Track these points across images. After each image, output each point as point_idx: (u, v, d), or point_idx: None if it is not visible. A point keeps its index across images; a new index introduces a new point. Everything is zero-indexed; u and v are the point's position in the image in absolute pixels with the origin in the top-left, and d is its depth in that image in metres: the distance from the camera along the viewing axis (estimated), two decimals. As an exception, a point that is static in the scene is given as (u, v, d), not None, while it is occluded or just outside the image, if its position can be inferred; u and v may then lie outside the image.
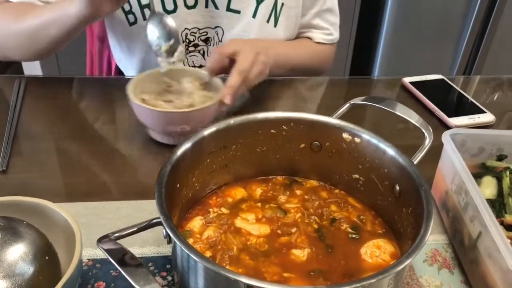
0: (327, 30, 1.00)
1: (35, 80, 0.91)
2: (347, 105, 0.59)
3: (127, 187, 0.66)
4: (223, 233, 0.52)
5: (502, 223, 0.55)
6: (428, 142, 0.52)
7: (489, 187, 0.60)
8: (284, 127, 0.56)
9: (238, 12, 0.91)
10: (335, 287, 0.42)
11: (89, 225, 0.58)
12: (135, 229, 0.42)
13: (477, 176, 0.63)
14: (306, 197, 0.58)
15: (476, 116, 0.84)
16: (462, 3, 1.96)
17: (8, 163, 0.69)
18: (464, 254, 0.56)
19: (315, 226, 0.54)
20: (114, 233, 0.40)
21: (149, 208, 0.60)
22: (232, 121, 0.54)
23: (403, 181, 0.50)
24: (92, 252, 0.56)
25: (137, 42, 0.93)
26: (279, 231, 0.53)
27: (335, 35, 1.02)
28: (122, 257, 0.38)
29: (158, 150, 0.72)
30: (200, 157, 0.53)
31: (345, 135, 0.55)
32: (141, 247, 0.57)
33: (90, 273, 0.54)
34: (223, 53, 0.76)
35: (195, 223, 0.53)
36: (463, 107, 0.87)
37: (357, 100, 0.59)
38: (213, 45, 0.95)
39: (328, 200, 0.57)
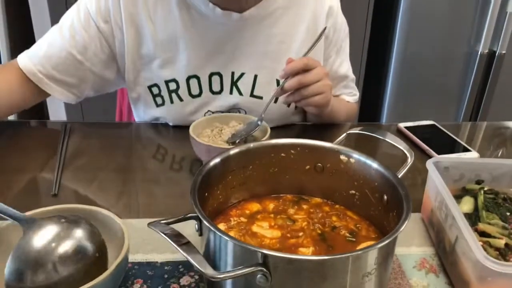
0: (351, 92, 1.16)
1: (77, 124, 1.06)
2: (345, 134, 0.71)
3: (166, 207, 0.78)
4: (242, 236, 0.63)
5: (476, 231, 0.65)
6: (409, 161, 0.64)
7: (466, 204, 0.70)
8: (292, 151, 0.68)
9: (260, 97, 1.01)
10: (336, 255, 0.50)
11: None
12: (175, 219, 0.53)
13: (458, 197, 0.73)
14: (311, 210, 0.69)
15: (462, 154, 0.95)
16: (461, 61, 2.10)
17: (59, 188, 0.82)
18: (446, 258, 0.66)
19: (319, 231, 0.64)
20: (160, 220, 0.52)
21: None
22: (252, 145, 0.67)
23: (389, 191, 0.61)
24: (132, 257, 0.66)
25: (163, 119, 1.05)
26: (288, 235, 0.64)
27: (357, 94, 1.18)
28: (176, 237, 0.49)
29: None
30: (224, 174, 0.65)
31: (342, 157, 0.67)
32: (172, 253, 0.67)
33: (129, 273, 0.65)
34: (307, 63, 0.87)
35: (220, 227, 0.64)
36: (451, 147, 0.99)
37: (354, 130, 0.72)
38: None
39: (330, 212, 0.68)
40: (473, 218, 0.67)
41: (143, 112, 1.06)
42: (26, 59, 0.95)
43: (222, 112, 1.02)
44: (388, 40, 2.11)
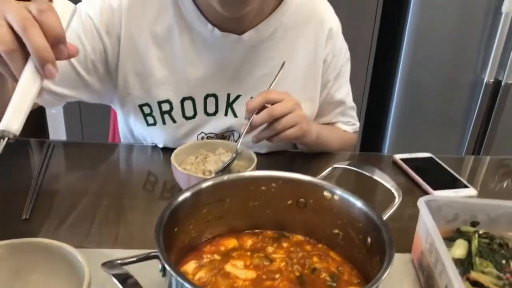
0: (350, 122, 1.11)
1: (61, 144, 1.02)
2: (330, 168, 0.67)
3: (136, 237, 0.73)
4: (213, 276, 0.58)
5: (468, 279, 0.60)
6: (397, 201, 0.59)
7: (459, 248, 0.65)
8: (273, 184, 0.64)
9: None
10: None
11: (95, 269, 0.65)
12: (135, 259, 0.49)
13: (451, 240, 0.68)
14: (291, 249, 0.64)
15: (459, 190, 0.90)
16: (466, 90, 2.06)
17: (31, 213, 0.78)
18: (435, 308, 0.61)
19: (297, 273, 0.59)
20: (117, 259, 0.47)
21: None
22: (226, 177, 0.62)
23: (373, 233, 0.56)
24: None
25: (148, 136, 1.01)
26: (264, 276, 0.59)
27: (357, 124, 1.13)
28: (125, 280, 0.45)
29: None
30: (198, 207, 0.61)
31: (325, 193, 0.62)
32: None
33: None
34: (266, 97, 0.83)
35: (189, 266, 0.60)
36: (448, 182, 0.94)
37: (340, 164, 0.68)
38: (228, 140, 1.01)
39: (311, 252, 0.64)
40: (465, 264, 0.62)
41: (134, 127, 1.03)
42: None
43: (216, 134, 0.99)
44: (392, 68, 2.08)
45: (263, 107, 0.83)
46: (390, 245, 0.51)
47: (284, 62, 0.94)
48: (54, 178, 0.89)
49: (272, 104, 0.83)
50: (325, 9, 1.01)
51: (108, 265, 0.46)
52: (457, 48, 1.99)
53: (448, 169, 0.98)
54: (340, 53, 1.04)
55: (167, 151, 0.99)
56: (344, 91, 1.08)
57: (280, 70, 0.92)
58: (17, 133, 0.53)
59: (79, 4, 0.90)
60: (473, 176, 1.03)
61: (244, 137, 0.83)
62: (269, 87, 0.89)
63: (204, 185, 0.60)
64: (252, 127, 0.83)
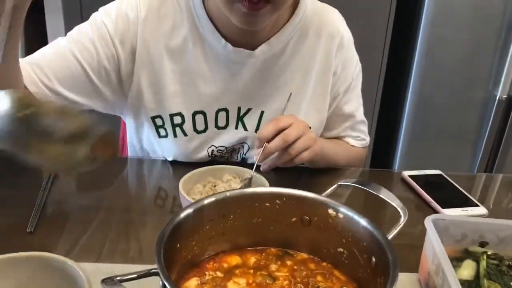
0: (359, 136, 1.10)
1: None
2: (335, 186, 0.66)
3: (145, 251, 0.73)
4: (215, 293, 0.58)
5: (476, 302, 0.58)
6: (402, 220, 0.58)
7: (467, 269, 0.64)
8: (277, 201, 0.63)
9: None
10: None
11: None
12: (136, 275, 0.49)
13: (459, 260, 0.67)
14: (295, 267, 0.63)
15: (469, 208, 0.89)
16: (478, 106, 2.04)
17: (36, 226, 0.78)
18: (442, 331, 0.59)
19: (300, 294, 0.59)
20: (116, 276, 0.47)
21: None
22: (228, 193, 0.62)
23: (378, 253, 0.55)
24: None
25: (158, 149, 1.01)
26: (266, 295, 0.58)
27: (367, 139, 1.12)
28: None
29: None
30: (201, 223, 0.60)
31: (330, 211, 0.61)
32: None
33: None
34: (278, 126, 0.83)
35: (191, 283, 0.59)
36: (457, 200, 0.92)
37: (346, 182, 0.67)
38: (238, 154, 1.03)
39: (315, 271, 0.63)
40: (473, 286, 0.61)
41: (145, 139, 1.03)
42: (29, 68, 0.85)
43: (227, 147, 0.99)
44: (403, 84, 2.07)
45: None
46: (394, 266, 0.50)
47: (291, 94, 0.95)
48: (62, 191, 0.89)
49: (283, 130, 0.83)
50: (337, 20, 1.01)
51: (108, 282, 0.46)
52: (469, 64, 1.98)
53: (458, 187, 0.96)
54: (351, 64, 1.03)
55: (177, 165, 0.99)
56: (354, 105, 1.07)
57: (287, 101, 0.93)
58: None
59: (97, 15, 0.91)
60: (485, 195, 1.01)
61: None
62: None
63: (207, 201, 0.60)
64: (265, 155, 0.83)
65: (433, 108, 2.04)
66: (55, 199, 0.85)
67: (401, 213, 0.59)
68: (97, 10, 0.92)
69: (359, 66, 1.06)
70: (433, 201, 0.90)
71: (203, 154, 0.99)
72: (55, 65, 0.87)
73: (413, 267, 0.71)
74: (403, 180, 1.00)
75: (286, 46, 0.96)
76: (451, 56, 1.96)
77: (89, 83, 0.90)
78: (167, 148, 1.00)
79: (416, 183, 0.97)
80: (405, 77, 2.04)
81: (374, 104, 2.08)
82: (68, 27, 0.94)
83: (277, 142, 0.82)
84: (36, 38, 1.99)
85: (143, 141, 1.04)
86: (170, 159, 1.00)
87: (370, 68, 1.94)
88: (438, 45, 1.95)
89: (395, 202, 0.62)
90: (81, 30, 0.91)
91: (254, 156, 0.85)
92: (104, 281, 0.46)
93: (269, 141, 0.82)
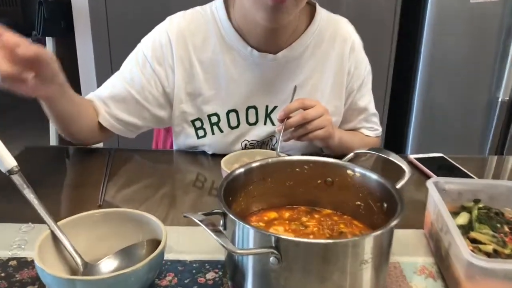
0: (372, 127, 1.26)
1: (120, 150, 1.20)
2: (352, 153, 0.81)
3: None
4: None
5: (468, 238, 0.73)
6: (407, 174, 0.73)
7: (462, 217, 0.78)
8: (305, 166, 0.79)
9: None
10: (337, 239, 0.60)
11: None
12: (204, 213, 0.64)
13: (456, 213, 0.81)
14: (322, 219, 0.78)
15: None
16: (482, 108, 2.16)
17: (103, 201, 0.94)
18: (442, 263, 0.73)
19: (327, 235, 0.74)
20: (193, 213, 0.62)
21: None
22: (270, 160, 0.78)
23: (388, 198, 0.70)
24: (165, 256, 0.76)
25: (201, 147, 1.17)
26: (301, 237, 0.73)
27: (379, 130, 1.28)
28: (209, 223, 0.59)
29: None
30: (247, 184, 0.76)
31: (349, 171, 0.77)
32: (200, 254, 0.78)
33: (163, 267, 0.75)
34: (302, 102, 1.00)
35: (240, 229, 0.74)
36: (456, 176, 1.06)
37: (361, 149, 0.82)
38: (267, 146, 1.19)
39: (338, 221, 0.78)
40: (466, 228, 0.75)
41: (183, 143, 1.19)
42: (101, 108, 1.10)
43: (258, 141, 1.15)
44: (409, 89, 2.20)
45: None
46: (401, 201, 0.65)
47: (295, 86, 1.11)
48: (120, 175, 1.05)
49: (305, 109, 0.99)
50: (348, 28, 1.18)
51: (190, 214, 0.60)
52: (473, 66, 2.10)
53: (458, 165, 1.11)
54: (362, 65, 1.19)
55: (215, 156, 1.15)
56: (366, 99, 1.23)
57: (293, 93, 1.09)
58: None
59: (139, 45, 1.12)
60: (483, 174, 1.15)
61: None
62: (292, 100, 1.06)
63: (254, 164, 0.75)
64: (286, 128, 0.99)
65: (438, 111, 2.16)
66: (116, 181, 1.02)
67: (406, 170, 0.74)
68: (128, 36, 1.14)
69: (369, 66, 1.22)
70: (434, 176, 1.05)
71: (238, 147, 1.15)
72: (113, 95, 1.10)
73: (419, 225, 0.86)
74: (410, 163, 1.15)
75: (305, 50, 1.12)
76: (454, 60, 2.08)
77: (141, 107, 1.11)
78: (206, 146, 1.16)
79: (421, 163, 1.12)
80: (411, 82, 2.17)
81: (383, 109, 2.21)
82: (96, 48, 1.14)
83: (297, 118, 0.98)
84: (67, 56, 2.19)
85: (181, 146, 1.21)
86: (209, 152, 1.17)
87: (377, 75, 2.07)
88: (441, 51, 2.08)
89: (402, 163, 0.77)
90: (128, 65, 1.12)
91: (276, 134, 1.00)
92: (186, 213, 0.60)
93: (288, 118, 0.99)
